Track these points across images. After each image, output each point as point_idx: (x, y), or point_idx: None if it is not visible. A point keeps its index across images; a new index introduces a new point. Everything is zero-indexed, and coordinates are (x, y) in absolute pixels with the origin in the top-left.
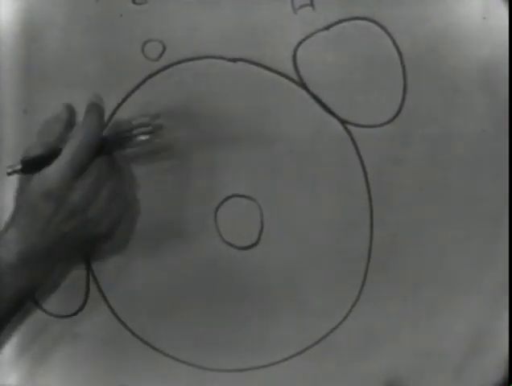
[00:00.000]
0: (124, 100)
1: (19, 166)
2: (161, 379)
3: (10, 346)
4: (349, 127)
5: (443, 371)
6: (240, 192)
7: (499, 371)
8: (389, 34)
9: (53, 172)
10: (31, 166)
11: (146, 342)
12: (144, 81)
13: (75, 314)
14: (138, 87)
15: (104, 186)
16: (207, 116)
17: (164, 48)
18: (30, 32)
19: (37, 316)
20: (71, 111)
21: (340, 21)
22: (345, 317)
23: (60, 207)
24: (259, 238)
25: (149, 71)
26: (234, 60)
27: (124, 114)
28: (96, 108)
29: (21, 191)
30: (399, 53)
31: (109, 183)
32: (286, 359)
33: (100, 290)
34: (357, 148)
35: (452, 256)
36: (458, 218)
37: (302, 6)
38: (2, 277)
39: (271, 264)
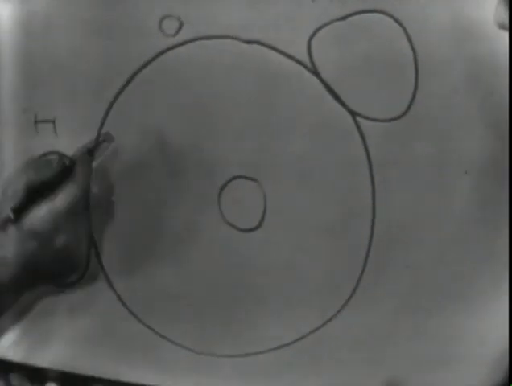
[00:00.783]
0: (139, 70)
1: (12, 216)
2: (158, 362)
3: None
4: (358, 119)
5: (441, 371)
6: (245, 174)
7: (499, 371)
8: (404, 29)
9: (45, 214)
10: (22, 210)
11: (141, 321)
12: (159, 55)
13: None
14: (153, 59)
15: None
16: (217, 95)
17: (181, 24)
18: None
19: None
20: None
21: (357, 12)
22: (339, 310)
23: (47, 248)
24: (261, 222)
25: (165, 46)
26: (249, 42)
27: (138, 86)
28: (85, 160)
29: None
30: (413, 49)
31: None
32: (277, 348)
33: (102, 267)
34: (364, 140)
35: (452, 256)
36: (459, 218)
37: None
38: None
39: (271, 249)
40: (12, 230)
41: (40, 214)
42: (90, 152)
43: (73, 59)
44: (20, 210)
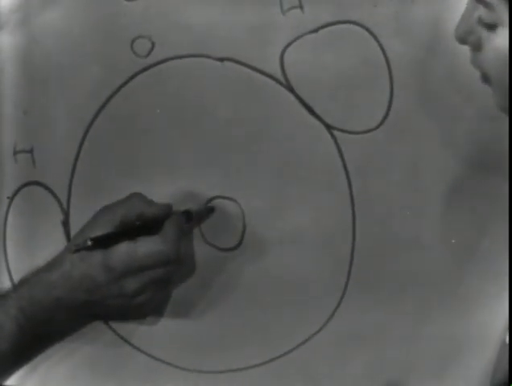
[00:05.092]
0: (112, 96)
1: (89, 243)
2: (140, 379)
3: None
4: (334, 132)
5: (433, 375)
6: (223, 194)
7: (496, 374)
8: (376, 38)
9: (124, 254)
10: (100, 242)
11: (126, 340)
12: (132, 78)
13: None
14: (126, 83)
15: (160, 281)
16: (192, 114)
17: (153, 45)
18: (29, 34)
19: None
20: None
21: (329, 24)
22: (328, 319)
23: (112, 286)
24: (241, 240)
25: (138, 68)
26: (221, 60)
27: (113, 110)
28: (176, 221)
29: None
30: (386, 58)
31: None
32: (268, 362)
33: None
34: (341, 153)
35: (437, 258)
36: (443, 221)
37: (291, 8)
38: (33, 315)
39: (253, 267)
40: (87, 255)
41: (118, 252)
42: (189, 216)
43: (48, 86)
44: (99, 240)
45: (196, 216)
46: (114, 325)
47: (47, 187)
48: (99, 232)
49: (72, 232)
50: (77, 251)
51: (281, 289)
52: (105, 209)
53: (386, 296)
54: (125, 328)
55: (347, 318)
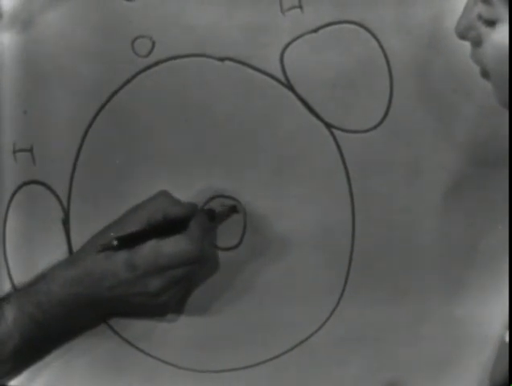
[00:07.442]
0: (112, 95)
1: (115, 243)
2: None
3: None
4: (334, 131)
5: (432, 375)
6: (224, 192)
7: (495, 372)
8: (376, 38)
9: (149, 252)
10: (126, 242)
11: (129, 342)
12: (133, 77)
13: None
14: (126, 83)
15: (182, 280)
16: (192, 114)
17: (153, 45)
18: (30, 33)
19: None
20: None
21: (329, 24)
22: (327, 318)
23: (136, 284)
24: (242, 239)
25: (138, 68)
26: (222, 59)
27: (113, 109)
28: (201, 221)
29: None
30: (386, 57)
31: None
32: (268, 361)
33: None
34: (340, 152)
35: (436, 258)
36: (443, 220)
37: (291, 8)
38: (50, 311)
39: (253, 266)
40: (111, 253)
41: (144, 250)
42: (212, 215)
43: (49, 86)
44: (125, 239)
45: (219, 215)
46: (119, 328)
47: (47, 186)
48: (125, 230)
49: (73, 231)
50: (103, 251)
51: (280, 288)
52: (131, 209)
53: (385, 296)
54: (128, 331)
55: (346, 318)
